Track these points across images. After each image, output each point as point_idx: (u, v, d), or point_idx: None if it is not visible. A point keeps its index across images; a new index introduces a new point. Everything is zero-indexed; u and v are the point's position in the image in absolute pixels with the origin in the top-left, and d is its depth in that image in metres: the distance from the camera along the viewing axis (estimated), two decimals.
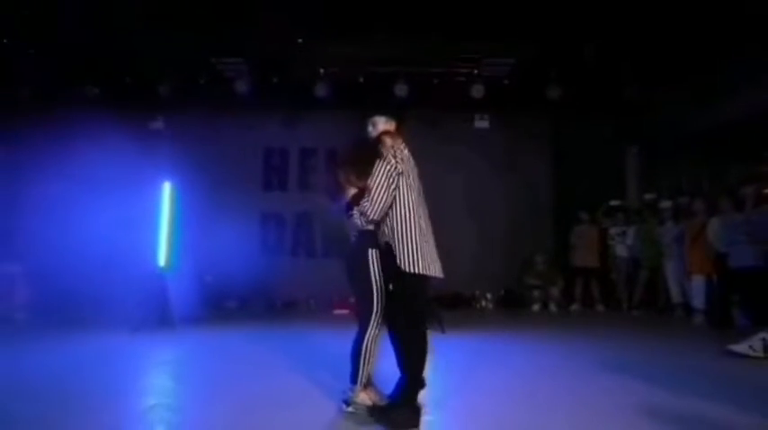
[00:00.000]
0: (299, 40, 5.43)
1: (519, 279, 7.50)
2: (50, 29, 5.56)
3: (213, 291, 7.68)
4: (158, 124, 7.76)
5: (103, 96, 6.44)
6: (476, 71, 6.31)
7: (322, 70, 6.14)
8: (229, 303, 7.70)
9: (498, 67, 6.34)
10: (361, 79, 6.28)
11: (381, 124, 2.62)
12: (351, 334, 2.44)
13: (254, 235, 8.03)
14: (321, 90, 6.18)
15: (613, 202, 7.34)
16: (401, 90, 6.19)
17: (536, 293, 7.18)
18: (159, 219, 5.64)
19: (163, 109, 7.09)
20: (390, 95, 6.29)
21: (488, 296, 7.61)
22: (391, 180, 2.29)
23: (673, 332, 5.27)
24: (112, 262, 6.11)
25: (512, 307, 7.39)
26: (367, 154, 2.50)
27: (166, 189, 5.71)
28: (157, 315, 5.37)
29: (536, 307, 7.16)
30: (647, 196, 6.95)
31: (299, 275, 7.82)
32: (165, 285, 5.59)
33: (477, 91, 6.28)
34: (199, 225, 6.53)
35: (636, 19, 5.43)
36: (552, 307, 7.09)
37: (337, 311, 7.04)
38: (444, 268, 2.45)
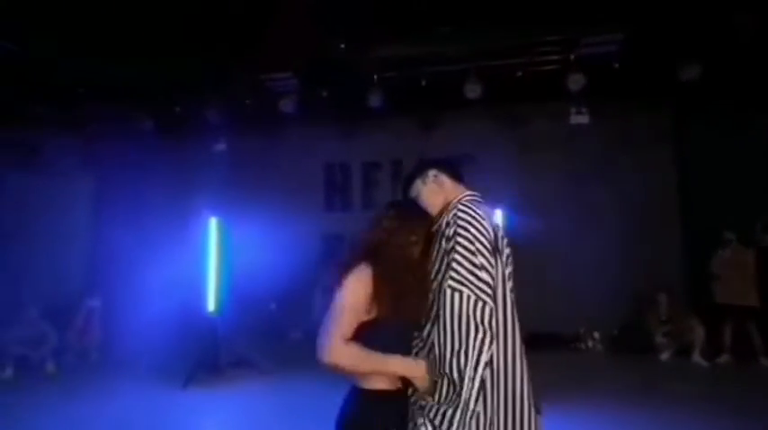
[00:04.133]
0: (342, 46, 4.56)
1: (638, 318, 5.85)
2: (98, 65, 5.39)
3: (278, 320, 7.29)
4: (221, 146, 7.50)
5: (157, 128, 6.23)
6: (572, 56, 4.87)
7: (376, 77, 5.19)
8: (294, 334, 7.19)
9: (601, 47, 4.82)
10: (424, 82, 5.21)
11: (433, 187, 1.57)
12: None
13: (317, 259, 7.44)
14: (376, 100, 5.25)
15: None
16: (473, 91, 5.00)
17: (663, 339, 5.49)
18: (207, 259, 5.19)
19: (215, 134, 6.72)
20: (460, 98, 5.14)
21: (596, 336, 6.09)
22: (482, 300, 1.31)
23: None
24: (171, 303, 5.92)
25: (629, 352, 5.79)
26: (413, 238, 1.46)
27: (213, 225, 5.24)
28: (207, 364, 4.95)
29: (665, 355, 5.48)
30: None
31: None
32: (216, 331, 5.16)
33: (575, 82, 4.84)
34: (258, 250, 6.10)
35: None
36: (696, 357, 5.22)
37: None
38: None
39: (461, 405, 1.28)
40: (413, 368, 1.36)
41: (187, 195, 6.56)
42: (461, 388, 1.26)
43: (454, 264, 1.32)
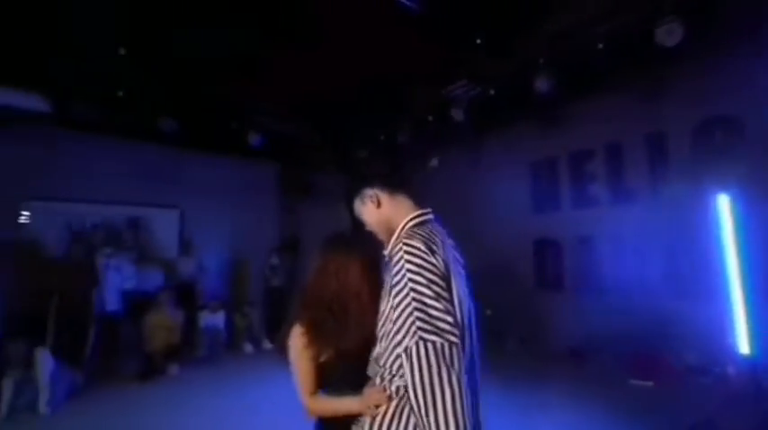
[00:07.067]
0: (478, 41, 4.27)
1: None
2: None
3: (493, 327, 7.20)
4: (433, 163, 8.26)
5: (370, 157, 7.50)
6: None
7: (541, 60, 4.56)
8: (509, 344, 6.91)
9: None
10: (601, 45, 4.18)
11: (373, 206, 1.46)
12: None
13: (528, 265, 6.95)
14: (542, 84, 4.60)
15: None
16: (671, 35, 3.67)
17: None
18: None
19: (415, 154, 7.43)
20: (653, 49, 3.88)
21: None
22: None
23: None
24: None
25: None
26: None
27: None
28: None
29: None
30: None
31: (586, 316, 6.06)
32: None
33: None
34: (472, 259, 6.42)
35: None
36: None
37: (635, 381, 4.91)
38: None
39: None
40: (363, 404, 1.30)
41: None
42: None
43: (417, 306, 1.18)
